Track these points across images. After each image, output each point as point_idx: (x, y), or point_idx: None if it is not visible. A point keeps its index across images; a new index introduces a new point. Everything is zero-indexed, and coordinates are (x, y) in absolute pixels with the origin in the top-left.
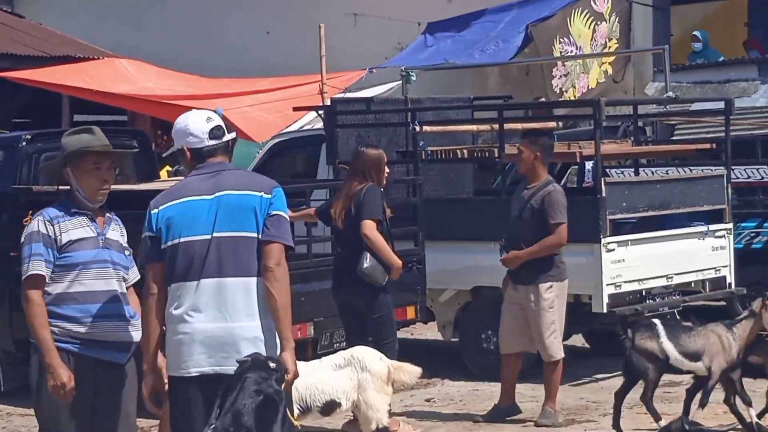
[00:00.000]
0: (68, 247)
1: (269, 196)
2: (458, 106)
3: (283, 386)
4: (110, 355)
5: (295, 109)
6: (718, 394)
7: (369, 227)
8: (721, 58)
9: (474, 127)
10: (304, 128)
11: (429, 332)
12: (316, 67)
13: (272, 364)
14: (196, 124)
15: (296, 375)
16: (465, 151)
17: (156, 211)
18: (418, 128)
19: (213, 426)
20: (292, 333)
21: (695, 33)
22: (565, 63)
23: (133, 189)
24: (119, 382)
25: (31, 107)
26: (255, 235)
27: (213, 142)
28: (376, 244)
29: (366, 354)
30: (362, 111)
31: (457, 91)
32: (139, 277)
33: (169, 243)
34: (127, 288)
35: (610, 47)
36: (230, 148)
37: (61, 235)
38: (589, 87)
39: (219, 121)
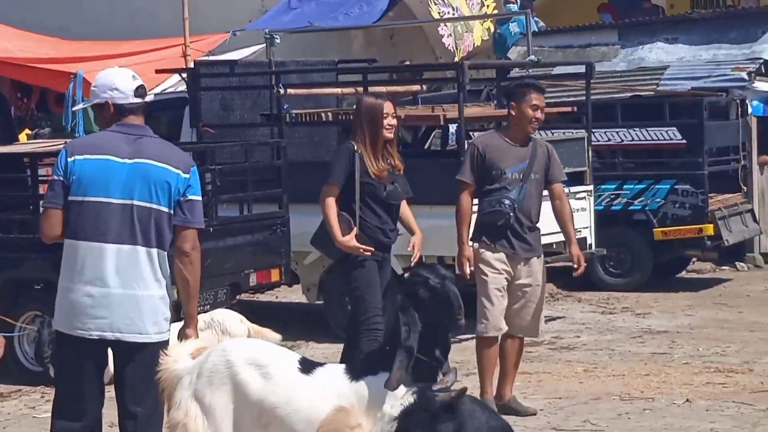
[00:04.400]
0: None
1: (187, 176)
2: (323, 69)
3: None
4: None
5: (158, 71)
6: None
7: (323, 192)
8: (538, 23)
9: (339, 90)
10: (166, 91)
11: (294, 295)
12: (180, 30)
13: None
14: (122, 81)
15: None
16: (330, 113)
17: (72, 159)
18: (282, 91)
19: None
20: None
21: None
22: (447, 23)
23: None
24: None
25: None
26: (167, 210)
27: (137, 100)
28: (324, 212)
29: (226, 317)
30: (226, 74)
31: (322, 54)
32: None
33: (78, 198)
34: None
35: (488, 6)
36: (144, 112)
37: None
38: (475, 45)
39: (142, 81)
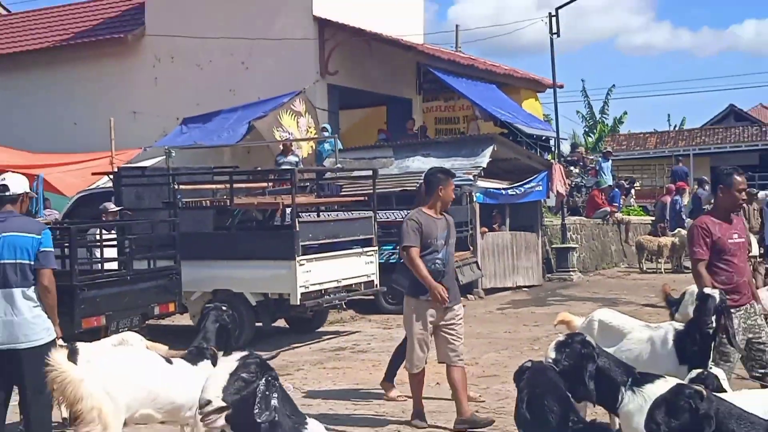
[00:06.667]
0: None
1: (39, 237)
2: (203, 172)
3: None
4: None
5: (94, 173)
6: None
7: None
8: (339, 146)
9: (214, 186)
10: (100, 186)
11: (184, 320)
12: (108, 146)
13: (224, 307)
14: None
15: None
16: (207, 201)
17: None
18: (176, 186)
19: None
20: (90, 323)
21: (325, 125)
22: (285, 144)
23: None
24: None
25: None
26: (29, 261)
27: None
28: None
29: (131, 337)
30: (139, 175)
31: (203, 162)
32: None
33: None
34: None
35: (311, 132)
36: (20, 201)
37: None
38: (303, 157)
39: (8, 183)
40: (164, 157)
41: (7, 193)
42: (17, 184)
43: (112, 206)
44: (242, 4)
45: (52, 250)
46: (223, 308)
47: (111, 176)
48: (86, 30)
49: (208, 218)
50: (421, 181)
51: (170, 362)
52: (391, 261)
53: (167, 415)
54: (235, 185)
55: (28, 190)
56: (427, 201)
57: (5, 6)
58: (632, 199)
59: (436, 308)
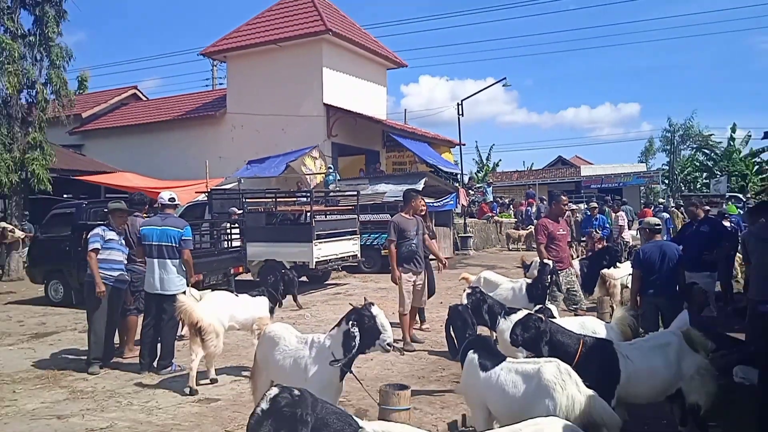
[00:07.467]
0: (108, 242)
1: (182, 230)
2: (260, 191)
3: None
4: (122, 285)
5: (196, 192)
6: None
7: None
8: (338, 177)
9: (265, 200)
10: (199, 200)
11: (248, 276)
12: (204, 176)
13: (288, 272)
14: (165, 195)
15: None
16: (262, 209)
17: (142, 227)
18: (244, 200)
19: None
20: (195, 277)
21: (330, 166)
22: (307, 176)
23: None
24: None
25: (84, 192)
26: (175, 245)
27: (168, 202)
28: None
29: (195, 291)
30: (223, 193)
31: (259, 186)
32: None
33: (144, 242)
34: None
35: (322, 169)
36: (176, 207)
37: (106, 235)
38: (317, 183)
39: (175, 196)
40: (237, 183)
41: (174, 203)
42: (177, 198)
43: (236, 210)
44: (283, 96)
45: (191, 238)
46: (286, 271)
47: (206, 194)
48: (192, 110)
49: (262, 218)
50: (381, 196)
51: (237, 296)
52: (368, 243)
53: (240, 326)
54: (278, 200)
55: (178, 203)
56: (405, 208)
57: (145, 95)
58: (511, 210)
59: (412, 274)
